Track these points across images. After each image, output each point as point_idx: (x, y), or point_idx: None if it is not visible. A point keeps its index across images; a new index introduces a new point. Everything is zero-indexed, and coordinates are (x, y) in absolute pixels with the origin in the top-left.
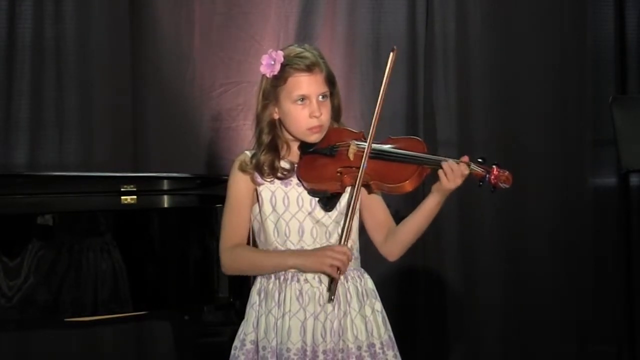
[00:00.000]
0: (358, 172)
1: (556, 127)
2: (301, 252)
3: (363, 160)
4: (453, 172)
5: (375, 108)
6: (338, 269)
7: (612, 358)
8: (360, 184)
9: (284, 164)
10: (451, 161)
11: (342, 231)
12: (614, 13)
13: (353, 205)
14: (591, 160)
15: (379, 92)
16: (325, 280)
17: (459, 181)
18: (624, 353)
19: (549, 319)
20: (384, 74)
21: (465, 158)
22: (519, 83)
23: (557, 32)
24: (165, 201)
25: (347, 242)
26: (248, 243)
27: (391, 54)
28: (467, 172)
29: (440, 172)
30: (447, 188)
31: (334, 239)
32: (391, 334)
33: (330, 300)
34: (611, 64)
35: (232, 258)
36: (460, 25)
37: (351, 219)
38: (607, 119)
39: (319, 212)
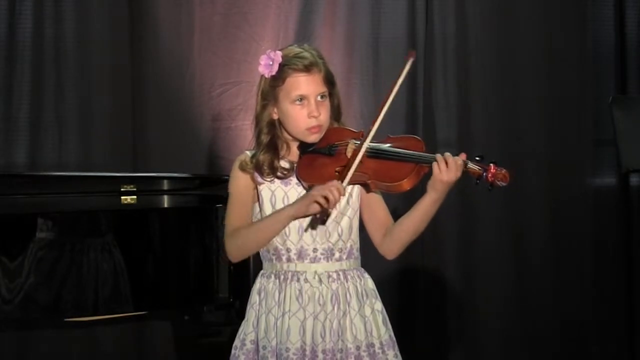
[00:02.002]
0: (357, 171)
1: (556, 127)
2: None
3: (359, 153)
4: (448, 165)
5: (379, 109)
6: (327, 199)
7: (612, 358)
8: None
9: (283, 164)
10: (447, 154)
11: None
12: (614, 13)
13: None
14: (591, 160)
15: (388, 94)
16: (325, 279)
17: (452, 175)
18: (624, 353)
19: (549, 318)
20: (399, 77)
21: (463, 155)
22: (519, 83)
23: (557, 33)
24: (165, 201)
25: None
26: None
27: (411, 59)
28: (460, 162)
29: (434, 164)
30: (440, 180)
31: (334, 238)
32: (392, 334)
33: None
34: (611, 64)
35: (234, 239)
36: (459, 25)
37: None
38: (607, 119)
39: None
